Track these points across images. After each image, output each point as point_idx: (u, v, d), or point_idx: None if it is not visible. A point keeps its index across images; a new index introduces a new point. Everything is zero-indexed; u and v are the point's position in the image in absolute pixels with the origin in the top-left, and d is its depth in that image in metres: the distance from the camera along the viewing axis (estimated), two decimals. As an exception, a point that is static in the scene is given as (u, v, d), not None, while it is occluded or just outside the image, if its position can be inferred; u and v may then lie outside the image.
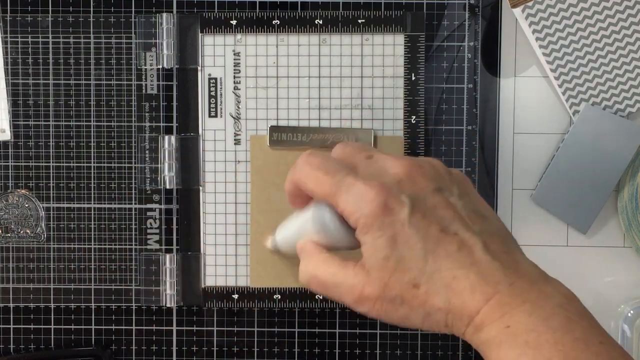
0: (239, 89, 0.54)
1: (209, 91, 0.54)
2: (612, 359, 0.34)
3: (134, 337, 0.55)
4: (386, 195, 0.37)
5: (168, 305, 0.54)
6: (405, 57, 0.53)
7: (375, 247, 0.37)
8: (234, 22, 0.53)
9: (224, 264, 0.54)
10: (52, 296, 0.55)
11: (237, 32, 0.53)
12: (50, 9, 0.54)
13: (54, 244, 0.55)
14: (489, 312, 0.35)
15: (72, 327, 0.55)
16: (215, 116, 0.54)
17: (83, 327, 0.55)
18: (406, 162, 0.39)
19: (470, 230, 0.37)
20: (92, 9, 0.54)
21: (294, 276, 0.53)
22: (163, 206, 0.54)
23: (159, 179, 0.54)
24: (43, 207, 0.55)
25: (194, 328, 0.55)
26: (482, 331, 0.36)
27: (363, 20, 0.53)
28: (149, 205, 0.54)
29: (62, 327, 0.55)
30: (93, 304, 0.55)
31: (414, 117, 0.53)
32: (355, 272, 0.38)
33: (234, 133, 0.54)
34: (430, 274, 0.36)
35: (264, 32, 0.53)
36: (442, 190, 0.39)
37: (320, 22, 0.53)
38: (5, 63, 0.54)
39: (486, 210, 0.41)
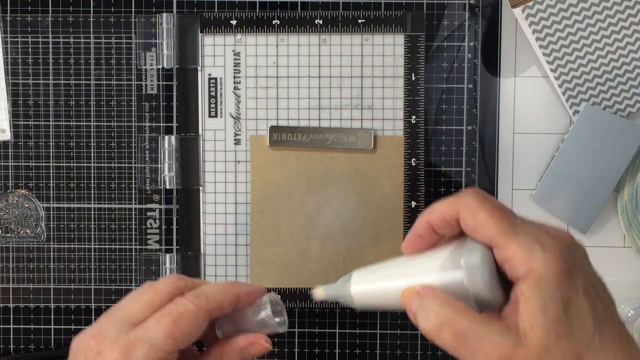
0: (239, 89, 0.54)
1: (209, 91, 0.54)
2: None
3: (134, 337, 0.55)
4: (571, 252, 0.34)
5: (168, 305, 0.54)
6: (405, 57, 0.53)
7: (547, 307, 0.32)
8: (234, 22, 0.53)
9: (224, 264, 0.54)
10: (52, 296, 0.55)
11: (237, 32, 0.53)
12: (50, 9, 0.54)
13: (54, 244, 0.55)
14: None
15: (72, 327, 0.55)
16: (215, 116, 0.54)
17: (83, 327, 0.55)
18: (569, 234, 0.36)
19: (620, 320, 0.35)
20: (92, 9, 0.54)
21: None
22: (163, 206, 0.54)
23: (159, 179, 0.54)
24: (43, 207, 0.55)
25: (194, 328, 0.55)
26: None
27: (363, 20, 0.53)
28: (149, 205, 0.54)
29: (62, 327, 0.55)
30: (93, 304, 0.55)
31: (414, 117, 0.53)
32: (502, 329, 0.33)
33: (234, 133, 0.54)
34: (596, 351, 0.33)
35: (264, 32, 0.53)
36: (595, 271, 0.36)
37: (320, 22, 0.53)
38: (5, 63, 0.54)
39: None
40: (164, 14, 0.53)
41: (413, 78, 0.53)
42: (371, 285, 0.38)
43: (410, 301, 0.36)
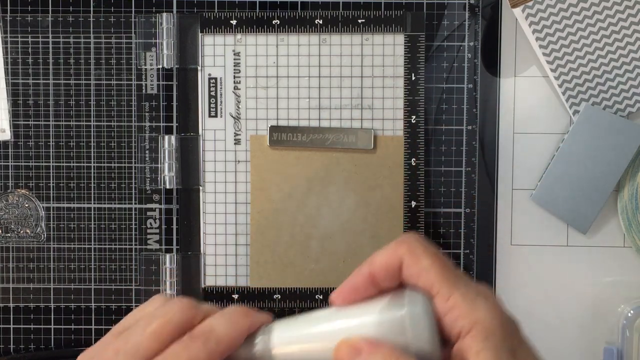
0: (239, 89, 0.54)
1: (209, 91, 0.54)
2: None
3: (134, 337, 0.55)
4: (501, 302, 0.33)
5: (168, 305, 0.54)
6: (405, 57, 0.53)
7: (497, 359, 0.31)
8: (234, 22, 0.53)
9: (224, 264, 0.54)
10: (52, 296, 0.55)
11: (237, 32, 0.53)
12: (50, 9, 0.54)
13: (54, 244, 0.55)
14: None
15: (72, 327, 0.55)
16: (215, 116, 0.54)
17: (83, 327, 0.55)
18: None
19: None
20: (92, 9, 0.54)
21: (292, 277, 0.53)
22: (163, 206, 0.54)
23: (159, 179, 0.54)
24: (43, 207, 0.55)
25: (194, 328, 0.55)
26: None
27: (363, 20, 0.53)
28: (149, 205, 0.54)
29: (62, 327, 0.55)
30: (93, 304, 0.55)
31: (414, 117, 0.53)
32: None
33: (234, 133, 0.54)
34: None
35: (264, 32, 0.53)
36: None
37: (320, 22, 0.53)
38: (5, 63, 0.54)
39: None
40: (164, 14, 0.53)
41: (413, 78, 0.53)
42: (297, 344, 0.33)
43: (348, 357, 0.33)
